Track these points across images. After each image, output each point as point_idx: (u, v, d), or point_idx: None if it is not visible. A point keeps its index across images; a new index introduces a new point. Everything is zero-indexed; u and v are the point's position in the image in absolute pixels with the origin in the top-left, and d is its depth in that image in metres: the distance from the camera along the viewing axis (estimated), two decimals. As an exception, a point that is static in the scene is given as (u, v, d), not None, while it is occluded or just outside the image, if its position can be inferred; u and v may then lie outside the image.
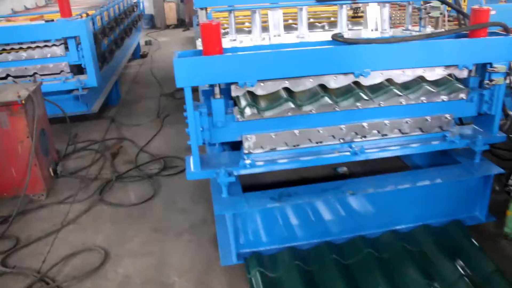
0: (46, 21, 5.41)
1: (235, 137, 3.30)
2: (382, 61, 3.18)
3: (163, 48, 11.39)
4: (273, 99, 3.17)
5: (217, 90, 3.13)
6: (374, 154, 3.42)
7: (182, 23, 14.37)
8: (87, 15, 5.86)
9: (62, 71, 5.54)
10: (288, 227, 3.37)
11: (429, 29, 3.69)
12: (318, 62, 3.06)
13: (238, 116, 3.19)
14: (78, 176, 4.82)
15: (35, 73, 5.49)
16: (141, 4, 11.09)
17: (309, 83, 3.21)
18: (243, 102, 3.11)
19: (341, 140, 3.44)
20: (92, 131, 6.04)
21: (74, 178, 4.77)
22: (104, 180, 4.71)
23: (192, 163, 3.27)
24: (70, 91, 5.66)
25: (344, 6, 3.83)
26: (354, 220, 3.46)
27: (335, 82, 3.23)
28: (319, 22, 4.87)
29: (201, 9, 3.43)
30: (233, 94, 3.14)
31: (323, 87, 3.23)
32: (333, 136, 3.42)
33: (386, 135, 3.52)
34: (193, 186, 4.47)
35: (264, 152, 3.34)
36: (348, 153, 3.38)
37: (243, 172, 3.24)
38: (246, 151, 3.31)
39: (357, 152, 3.36)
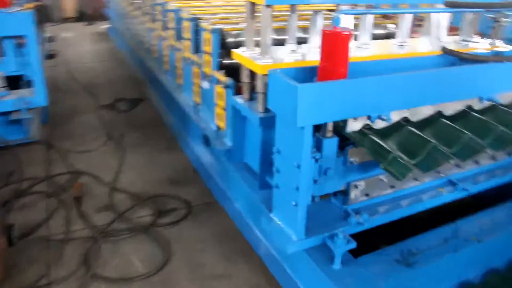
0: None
1: (340, 186, 2.44)
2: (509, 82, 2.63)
3: (72, 46, 9.36)
4: (391, 134, 2.38)
5: (330, 126, 2.24)
6: (481, 185, 2.93)
7: (83, 17, 12.17)
8: (34, 7, 4.15)
9: (-9, 86, 3.88)
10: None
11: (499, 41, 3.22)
12: (459, 85, 2.37)
13: (353, 159, 2.34)
14: (38, 239, 3.36)
15: None
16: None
17: (427, 111, 2.52)
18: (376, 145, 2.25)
19: (442, 175, 2.84)
20: (29, 163, 4.39)
21: (33, 244, 3.31)
22: (81, 240, 3.35)
23: (290, 229, 2.31)
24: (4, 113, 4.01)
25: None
26: (457, 264, 2.85)
27: (452, 108, 2.60)
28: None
29: (267, 6, 2.45)
30: (350, 129, 2.27)
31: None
32: (438, 171, 2.79)
33: (478, 162, 3.02)
34: (213, 236, 3.43)
35: (369, 199, 2.55)
36: (451, 190, 2.81)
37: (357, 231, 2.41)
38: (351, 202, 2.48)
39: (466, 187, 2.81)
